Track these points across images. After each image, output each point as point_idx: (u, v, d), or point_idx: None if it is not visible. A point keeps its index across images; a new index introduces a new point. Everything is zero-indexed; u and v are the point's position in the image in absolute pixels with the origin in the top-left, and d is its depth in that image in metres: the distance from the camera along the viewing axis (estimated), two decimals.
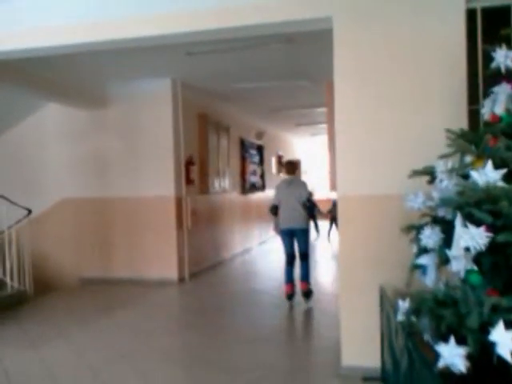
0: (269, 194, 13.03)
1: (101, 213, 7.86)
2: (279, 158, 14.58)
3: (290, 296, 6.20)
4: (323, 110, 9.84)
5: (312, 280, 6.40)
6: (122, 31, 4.21)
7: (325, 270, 8.77)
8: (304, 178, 17.77)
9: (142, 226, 7.67)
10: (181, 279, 7.60)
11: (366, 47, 3.72)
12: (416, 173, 2.85)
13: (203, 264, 8.42)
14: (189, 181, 7.92)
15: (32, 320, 5.80)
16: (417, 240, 2.63)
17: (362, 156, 3.75)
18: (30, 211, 6.76)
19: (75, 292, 7.43)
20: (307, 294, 6.20)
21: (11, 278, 6.66)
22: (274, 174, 14.05)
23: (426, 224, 2.56)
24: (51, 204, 8.05)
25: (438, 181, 2.59)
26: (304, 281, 6.20)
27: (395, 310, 2.60)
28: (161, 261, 7.58)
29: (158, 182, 7.56)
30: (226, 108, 9.76)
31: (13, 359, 4.43)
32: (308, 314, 5.90)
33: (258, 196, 12.10)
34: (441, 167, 2.54)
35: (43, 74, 6.45)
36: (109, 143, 7.79)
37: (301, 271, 6.24)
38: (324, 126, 12.53)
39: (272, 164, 13.89)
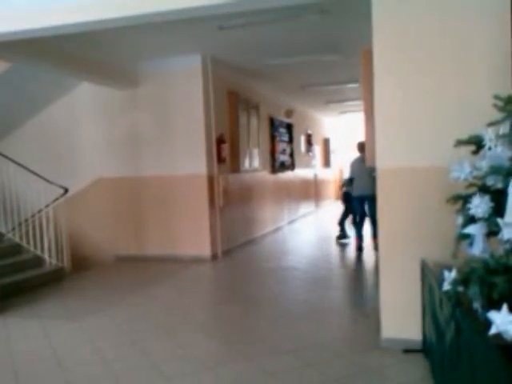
0: (299, 172, 13.03)
1: (135, 191, 7.97)
2: (308, 137, 14.48)
3: (360, 247, 7.95)
4: (354, 85, 9.79)
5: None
6: (153, 4, 4.18)
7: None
8: (332, 157, 17.74)
9: (175, 205, 7.75)
10: (214, 256, 7.68)
11: (406, 11, 3.61)
12: (461, 142, 2.79)
13: (235, 241, 8.48)
14: (220, 159, 7.93)
15: (72, 295, 5.96)
16: (464, 210, 2.58)
17: (402, 128, 3.67)
18: (66, 190, 6.90)
19: (111, 269, 7.59)
20: (377, 246, 7.10)
21: (49, 255, 6.85)
22: (304, 153, 13.97)
23: (474, 194, 2.51)
24: (87, 183, 8.20)
25: (486, 149, 2.52)
26: (374, 237, 7.47)
27: (440, 280, 2.57)
28: (194, 238, 7.66)
29: (191, 160, 7.60)
30: (255, 85, 9.71)
31: (57, 331, 4.57)
32: (340, 287, 5.90)
33: (287, 175, 12.07)
34: (490, 134, 2.48)
35: (76, 53, 6.51)
36: (141, 122, 7.85)
37: (371, 229, 7.81)
38: (354, 103, 12.44)
39: (301, 143, 13.80)
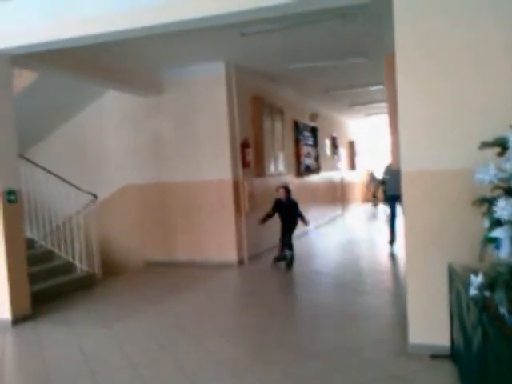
0: (324, 176, 12.98)
1: (161, 197, 8.08)
2: (333, 140, 14.41)
3: (391, 241, 8.42)
4: (379, 87, 9.72)
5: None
6: (176, 14, 4.26)
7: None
8: (358, 159, 17.63)
9: (201, 210, 7.82)
10: (240, 261, 7.72)
11: (428, 15, 3.58)
12: (486, 144, 2.76)
13: (262, 246, 8.49)
14: (245, 164, 7.98)
15: (102, 301, 6.07)
16: (489, 213, 2.55)
17: (426, 131, 3.64)
18: (95, 196, 7.04)
19: (140, 274, 7.71)
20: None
21: (80, 261, 6.99)
22: (329, 156, 13.91)
23: (500, 196, 2.47)
24: (114, 190, 8.35)
25: (510, 151, 2.49)
26: None
27: (467, 285, 2.54)
28: (220, 244, 7.72)
29: (216, 165, 7.67)
30: (279, 90, 9.73)
31: (87, 337, 4.67)
32: (368, 292, 5.85)
33: (313, 178, 12.03)
34: None
35: (103, 62, 6.66)
36: (166, 129, 7.97)
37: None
38: (379, 105, 12.35)
39: (326, 146, 13.75)
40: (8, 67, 5.24)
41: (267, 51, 6.94)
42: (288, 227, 7.47)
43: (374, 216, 14.75)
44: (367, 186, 17.92)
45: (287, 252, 7.37)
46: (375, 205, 17.03)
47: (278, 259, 7.51)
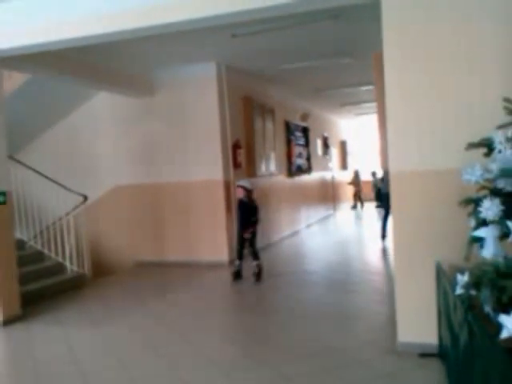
0: (315, 176, 13.02)
1: (152, 198, 8.07)
2: (324, 140, 14.46)
3: (383, 236, 9.07)
4: (368, 88, 9.77)
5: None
6: (166, 15, 4.26)
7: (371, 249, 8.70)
8: (349, 159, 17.67)
9: (192, 211, 7.83)
10: (231, 261, 7.71)
11: (416, 14, 3.62)
12: (472, 145, 2.79)
13: None
14: (236, 164, 7.99)
15: (92, 301, 6.06)
16: (475, 213, 2.58)
17: (414, 131, 3.67)
18: (85, 198, 7.02)
19: (131, 275, 7.70)
20: None
21: (71, 262, 6.97)
22: (320, 156, 13.96)
23: (485, 196, 2.51)
24: (105, 191, 8.34)
25: (496, 152, 2.52)
26: None
27: (453, 283, 2.58)
28: (211, 244, 7.73)
29: (207, 166, 7.68)
30: (270, 90, 9.75)
31: (77, 337, 4.66)
32: (357, 291, 5.89)
33: (304, 178, 12.07)
34: (499, 137, 2.48)
35: (93, 63, 6.65)
36: (157, 129, 7.97)
37: None
38: (368, 105, 12.42)
39: (318, 146, 13.79)
40: None
41: (258, 52, 6.96)
42: (248, 232, 6.62)
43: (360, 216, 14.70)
44: (354, 186, 16.22)
45: (254, 262, 6.61)
46: (355, 207, 16.04)
47: (237, 274, 6.70)
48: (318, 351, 3.95)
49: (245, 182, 6.71)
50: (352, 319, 4.81)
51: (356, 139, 18.76)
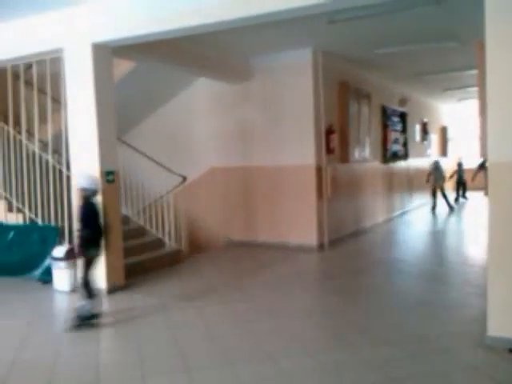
0: (412, 162, 12.60)
1: (245, 181, 8.34)
2: (424, 125, 13.91)
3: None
4: (474, 72, 9.20)
5: None
6: (267, 5, 4.38)
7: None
8: (450, 145, 16.79)
9: (283, 194, 7.99)
10: (320, 246, 7.80)
11: None
12: None
13: (342, 232, 8.51)
14: (329, 150, 7.99)
15: (188, 276, 6.45)
16: None
17: None
18: (185, 178, 7.41)
19: (223, 253, 8.06)
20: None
21: (169, 238, 7.43)
22: (418, 142, 13.46)
23: None
24: (201, 172, 8.73)
25: None
26: None
27: None
28: (301, 227, 7.85)
29: (299, 151, 7.77)
30: (367, 75, 9.58)
31: (174, 309, 5.01)
32: (448, 283, 5.72)
33: (400, 165, 11.75)
34: None
35: (195, 52, 6.96)
36: (252, 115, 8.18)
37: None
38: (473, 89, 11.67)
39: (416, 131, 13.31)
40: (109, 58, 5.67)
41: (355, 37, 6.88)
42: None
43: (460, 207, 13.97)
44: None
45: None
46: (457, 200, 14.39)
47: (88, 318, 4.52)
48: (405, 339, 3.95)
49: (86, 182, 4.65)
50: (441, 310, 4.72)
51: (458, 125, 17.76)
